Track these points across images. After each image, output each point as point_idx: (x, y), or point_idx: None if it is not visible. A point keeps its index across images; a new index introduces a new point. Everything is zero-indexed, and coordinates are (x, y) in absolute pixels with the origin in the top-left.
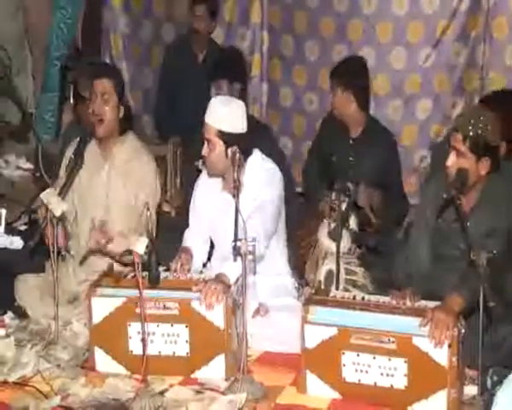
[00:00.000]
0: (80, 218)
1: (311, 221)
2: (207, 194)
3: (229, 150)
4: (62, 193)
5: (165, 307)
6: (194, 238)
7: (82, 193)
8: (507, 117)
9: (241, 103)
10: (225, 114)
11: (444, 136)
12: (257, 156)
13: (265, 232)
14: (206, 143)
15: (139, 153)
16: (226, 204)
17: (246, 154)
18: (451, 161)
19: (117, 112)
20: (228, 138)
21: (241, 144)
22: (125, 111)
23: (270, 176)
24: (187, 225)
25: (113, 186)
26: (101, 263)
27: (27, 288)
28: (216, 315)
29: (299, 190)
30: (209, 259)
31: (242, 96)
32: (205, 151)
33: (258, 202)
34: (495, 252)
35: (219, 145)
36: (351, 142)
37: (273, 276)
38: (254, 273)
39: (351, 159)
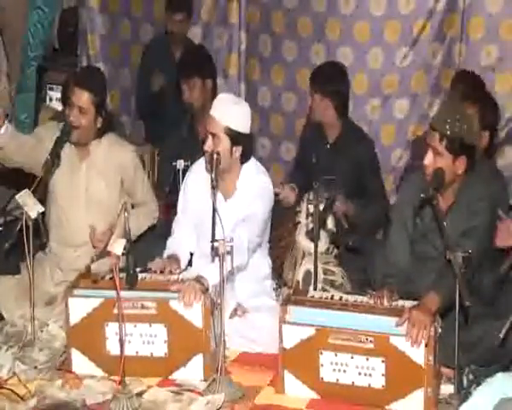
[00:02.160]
0: (57, 218)
1: (288, 221)
2: (199, 188)
3: (234, 149)
4: (38, 193)
5: (142, 307)
6: (181, 228)
7: (59, 193)
8: (482, 104)
9: (247, 105)
10: (235, 111)
11: (425, 131)
12: (252, 164)
13: (250, 245)
14: (210, 137)
15: (117, 145)
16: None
17: (246, 157)
18: (428, 159)
19: (94, 122)
20: (235, 136)
21: (246, 145)
22: (104, 120)
23: (263, 189)
24: (164, 226)
25: (92, 184)
26: (78, 263)
27: (3, 289)
28: (194, 314)
29: (277, 190)
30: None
31: (214, 92)
32: (208, 146)
33: (247, 212)
34: (470, 251)
35: (225, 142)
36: (328, 146)
37: (254, 281)
38: (233, 275)
39: (328, 163)
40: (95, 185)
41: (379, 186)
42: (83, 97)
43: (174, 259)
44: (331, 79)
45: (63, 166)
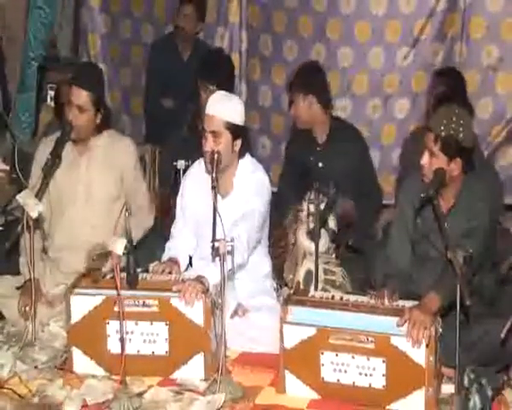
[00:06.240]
0: (56, 217)
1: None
2: (197, 190)
3: (235, 143)
4: (39, 194)
5: (144, 305)
6: (180, 231)
7: (58, 192)
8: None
9: (240, 99)
10: (231, 106)
11: (411, 131)
12: (248, 161)
13: (249, 242)
14: (209, 136)
15: (117, 138)
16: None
17: (244, 150)
18: (425, 159)
19: (93, 120)
20: (235, 130)
21: (244, 138)
22: (103, 115)
23: (260, 186)
24: (164, 226)
25: (92, 180)
26: (78, 264)
27: (4, 289)
28: (195, 313)
29: (275, 190)
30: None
31: None
32: (209, 145)
33: (245, 210)
34: (471, 251)
35: (226, 137)
36: (318, 148)
37: (254, 280)
38: (233, 273)
39: (320, 165)
40: (95, 181)
41: (373, 178)
42: (81, 96)
43: (174, 262)
44: (309, 76)
45: (62, 164)
